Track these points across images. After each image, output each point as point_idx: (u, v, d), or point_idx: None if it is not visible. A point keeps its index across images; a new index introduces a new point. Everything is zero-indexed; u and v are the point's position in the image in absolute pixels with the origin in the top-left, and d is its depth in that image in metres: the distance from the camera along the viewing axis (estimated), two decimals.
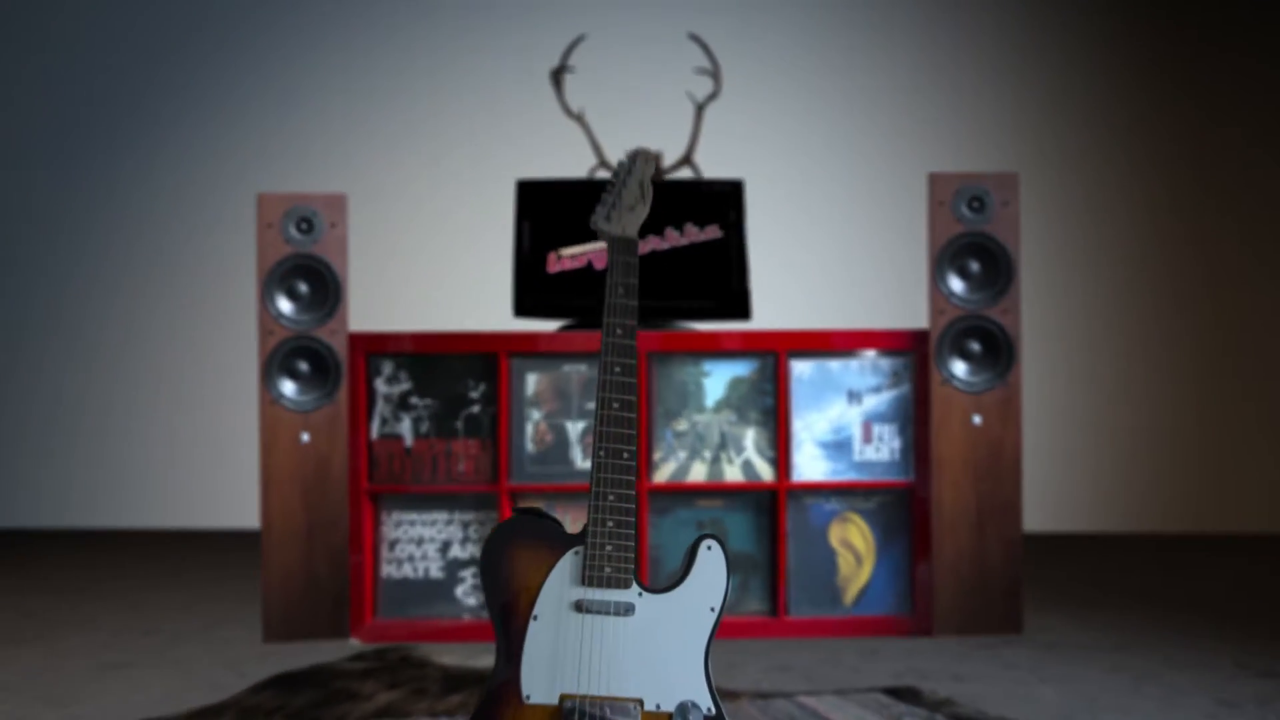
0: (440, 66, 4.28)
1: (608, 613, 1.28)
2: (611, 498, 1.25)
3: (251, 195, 2.63)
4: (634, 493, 1.29)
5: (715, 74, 2.90)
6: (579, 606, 1.28)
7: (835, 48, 4.33)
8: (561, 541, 1.28)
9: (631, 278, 1.35)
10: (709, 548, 1.31)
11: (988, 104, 4.34)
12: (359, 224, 2.86)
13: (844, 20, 4.34)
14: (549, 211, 2.77)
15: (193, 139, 4.36)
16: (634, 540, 1.27)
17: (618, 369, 1.26)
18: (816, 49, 4.32)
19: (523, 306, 2.76)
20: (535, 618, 1.28)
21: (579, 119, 2.79)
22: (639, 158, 1.43)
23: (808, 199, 4.24)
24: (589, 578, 1.27)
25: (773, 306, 3.12)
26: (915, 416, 2.63)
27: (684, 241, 2.74)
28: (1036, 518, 3.43)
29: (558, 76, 2.83)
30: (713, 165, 3.04)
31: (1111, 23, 4.38)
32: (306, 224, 2.61)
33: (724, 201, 2.78)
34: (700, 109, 2.89)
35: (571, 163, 3.10)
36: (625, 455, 1.26)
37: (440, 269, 4.06)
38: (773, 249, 3.69)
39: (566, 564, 1.27)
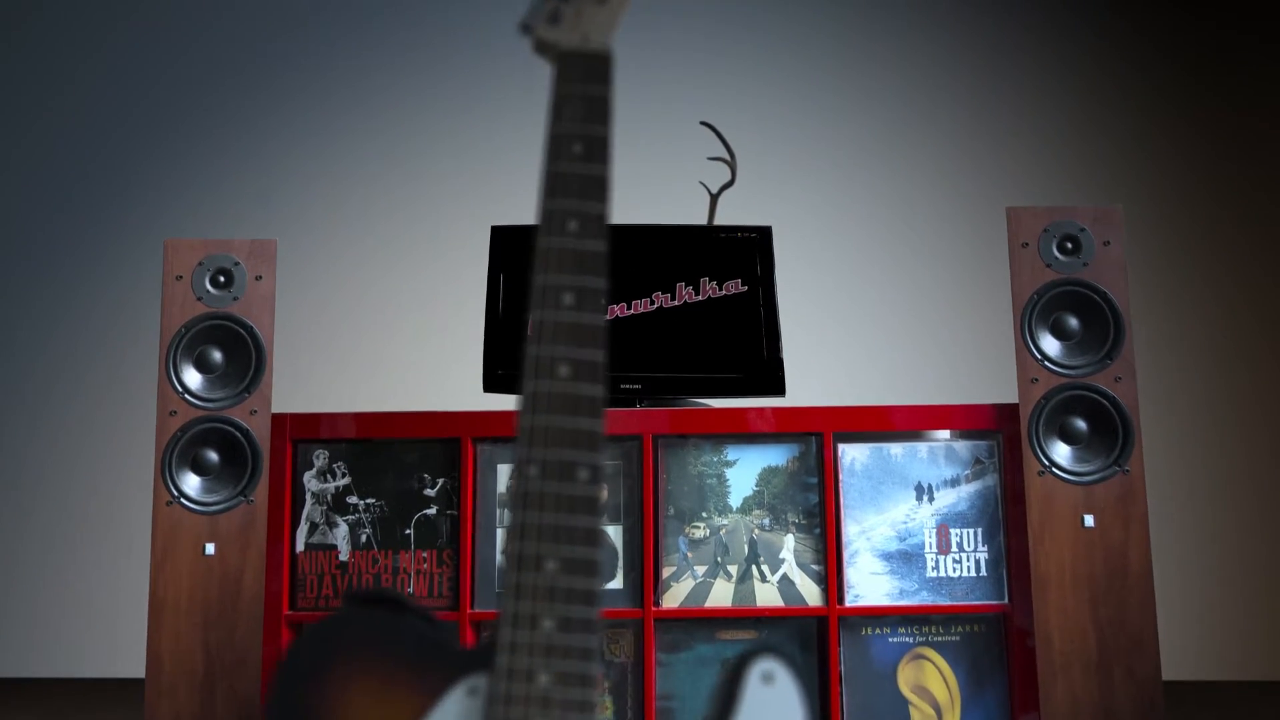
0: (392, 86, 3.60)
1: None
2: (552, 565, 0.63)
3: (159, 242, 2.11)
4: (596, 577, 0.67)
5: (730, 162, 2.51)
6: None
7: (877, 65, 3.61)
8: (443, 662, 0.65)
9: (599, 126, 0.69)
10: (766, 677, 0.68)
11: (1071, 129, 3.57)
12: (289, 278, 2.33)
13: (886, 35, 3.61)
14: (530, 263, 2.23)
15: (90, 174, 3.55)
16: (594, 661, 0.65)
17: (570, 325, 0.65)
18: (853, 69, 3.61)
19: (495, 379, 2.19)
20: None
21: None
22: None
23: (851, 247, 3.43)
24: None
25: (812, 380, 2.52)
26: (1006, 518, 2.00)
27: (700, 299, 2.19)
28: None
29: None
30: (735, 210, 2.51)
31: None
32: (225, 277, 2.08)
33: (749, 251, 2.24)
34: (715, 198, 2.47)
35: None
36: (583, 474, 0.64)
37: (391, 334, 3.35)
38: (809, 309, 3.09)
39: (450, 714, 0.63)
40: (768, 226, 2.27)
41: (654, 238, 2.27)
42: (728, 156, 2.53)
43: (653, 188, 3.07)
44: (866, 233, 3.43)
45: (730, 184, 2.51)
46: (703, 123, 2.58)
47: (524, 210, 2.69)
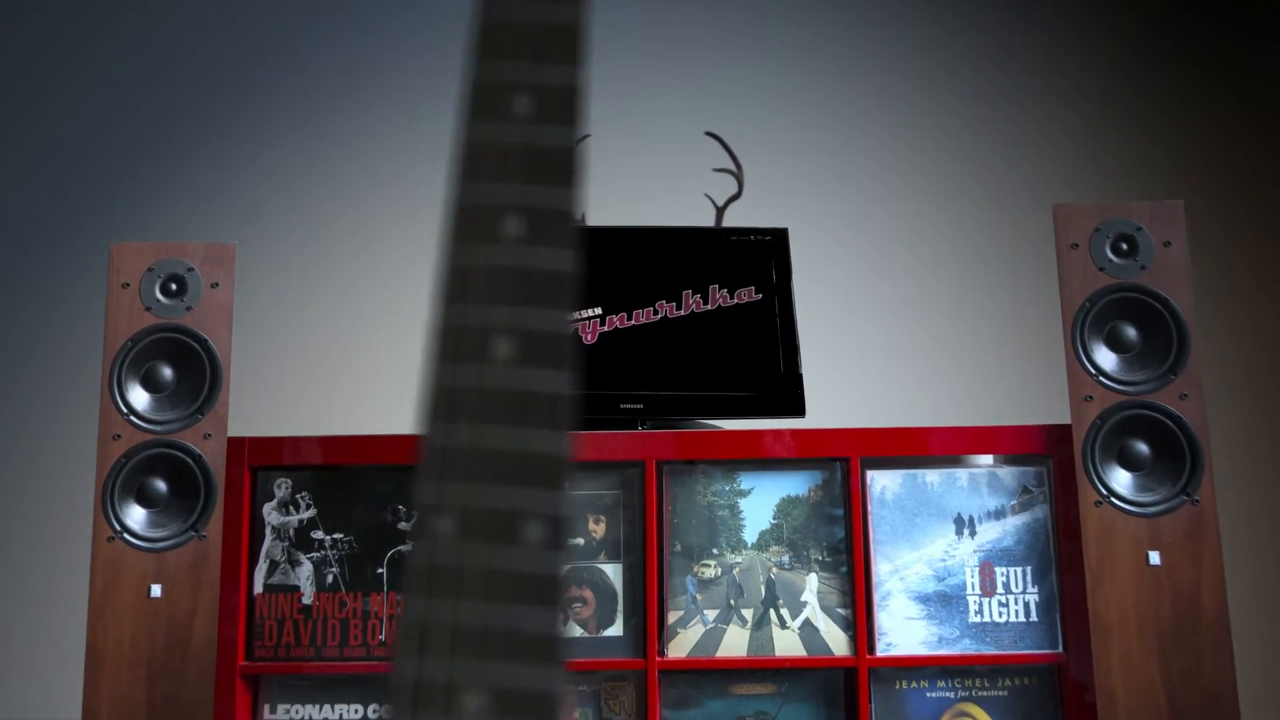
0: (368, 78, 3.27)
1: None
2: (475, 703, 0.34)
3: (105, 246, 1.89)
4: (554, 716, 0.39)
5: (737, 174, 2.35)
6: None
7: (894, 56, 3.25)
8: None
9: None
10: None
11: (1122, 116, 3.15)
12: (250, 285, 2.10)
13: (901, 24, 3.22)
14: None
15: (29, 172, 3.17)
16: None
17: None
18: (868, 62, 3.26)
19: None
20: None
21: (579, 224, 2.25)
22: None
23: (874, 253, 3.06)
24: None
25: (835, 399, 2.27)
26: (1059, 555, 1.76)
27: (708, 309, 1.96)
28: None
29: None
30: (745, 213, 2.28)
31: None
32: (177, 284, 1.86)
33: (763, 255, 2.01)
34: (721, 212, 2.30)
35: None
36: (533, 532, 0.36)
37: (364, 347, 3.03)
38: (830, 321, 2.84)
39: None
40: (783, 229, 2.05)
41: (657, 241, 2.05)
42: (734, 168, 2.37)
43: (654, 202, 2.84)
44: (891, 237, 3.11)
45: (737, 196, 2.34)
46: (708, 133, 2.41)
47: None
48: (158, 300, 1.85)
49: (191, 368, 1.83)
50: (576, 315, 2.02)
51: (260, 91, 3.27)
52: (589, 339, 1.93)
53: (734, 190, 2.36)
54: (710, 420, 1.95)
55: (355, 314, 3.00)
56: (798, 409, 1.92)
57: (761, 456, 1.80)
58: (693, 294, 1.97)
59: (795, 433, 1.81)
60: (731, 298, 1.96)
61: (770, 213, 2.38)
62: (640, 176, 3.06)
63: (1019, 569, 1.76)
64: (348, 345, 2.96)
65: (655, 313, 1.95)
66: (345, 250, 3.06)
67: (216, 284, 1.87)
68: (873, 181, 3.15)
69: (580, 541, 1.79)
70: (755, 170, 2.40)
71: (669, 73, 3.29)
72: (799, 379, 1.93)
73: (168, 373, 1.84)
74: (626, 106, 3.23)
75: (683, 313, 1.95)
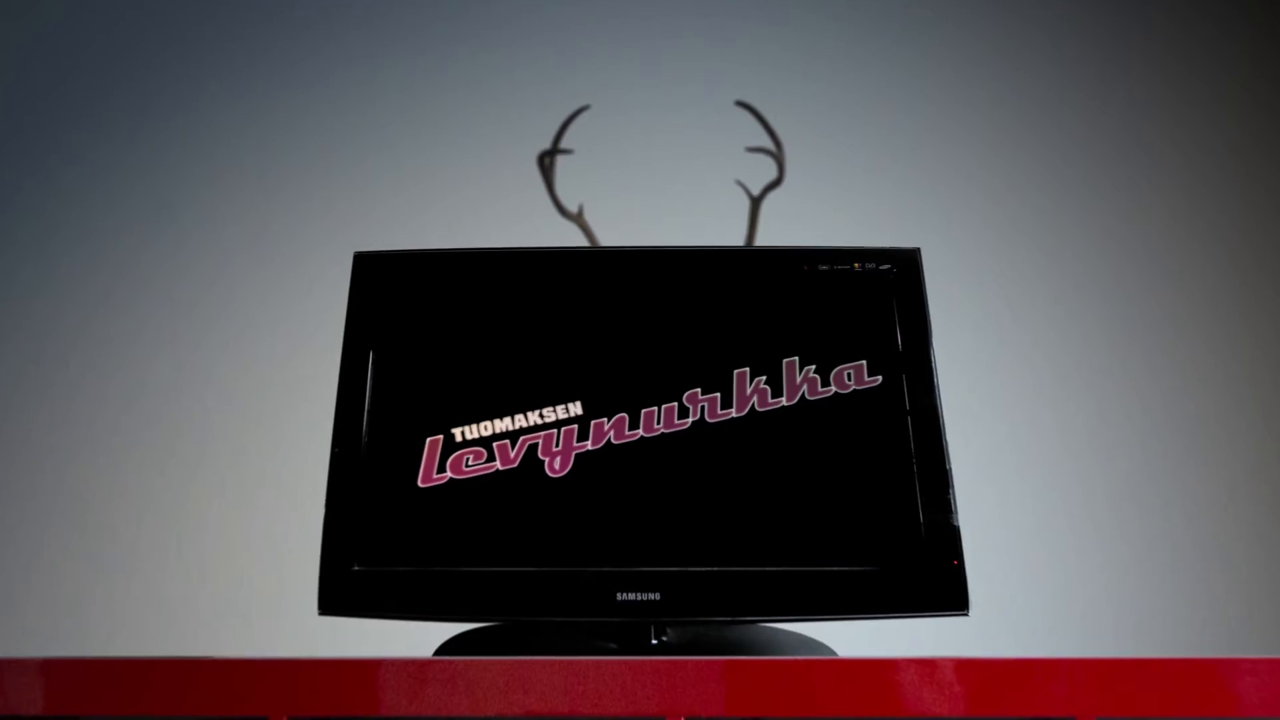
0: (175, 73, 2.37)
1: None
2: None
3: None
4: None
5: (777, 155, 1.99)
6: None
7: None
8: None
9: None
10: None
11: None
12: None
13: None
14: (430, 325, 1.12)
15: None
16: None
17: None
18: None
19: (343, 590, 1.06)
20: None
21: (577, 219, 1.89)
22: None
23: (1065, 302, 1.99)
24: None
25: (1024, 584, 1.38)
26: None
27: (781, 405, 1.07)
28: None
29: (548, 160, 1.97)
30: (792, 226, 1.45)
31: None
32: None
33: (879, 301, 1.12)
34: (757, 202, 1.94)
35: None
36: None
37: (128, 487, 2.04)
38: (991, 429, 1.90)
39: None
40: (912, 250, 1.16)
41: (685, 274, 1.15)
42: (772, 146, 1.93)
43: (668, 197, 2.16)
44: (1094, 278, 2.01)
45: (777, 183, 1.89)
46: (738, 103, 1.97)
47: (407, 228, 1.62)
48: None
49: None
50: (530, 422, 1.01)
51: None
52: (557, 468, 1.03)
53: (774, 175, 1.89)
54: (788, 626, 1.07)
55: (113, 419, 1.90)
56: (955, 599, 1.02)
57: (895, 716, 0.92)
58: (753, 376, 1.07)
59: (964, 665, 0.92)
60: (826, 383, 1.07)
61: (828, 223, 1.53)
62: (651, 163, 2.33)
63: None
64: (101, 484, 1.86)
65: (683, 413, 1.05)
66: (100, 298, 2.00)
67: None
68: (1052, 180, 2.14)
69: None
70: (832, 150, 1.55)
71: (689, 30, 2.52)
72: (955, 538, 1.03)
73: None
74: (634, 70, 2.46)
75: (735, 413, 1.06)
